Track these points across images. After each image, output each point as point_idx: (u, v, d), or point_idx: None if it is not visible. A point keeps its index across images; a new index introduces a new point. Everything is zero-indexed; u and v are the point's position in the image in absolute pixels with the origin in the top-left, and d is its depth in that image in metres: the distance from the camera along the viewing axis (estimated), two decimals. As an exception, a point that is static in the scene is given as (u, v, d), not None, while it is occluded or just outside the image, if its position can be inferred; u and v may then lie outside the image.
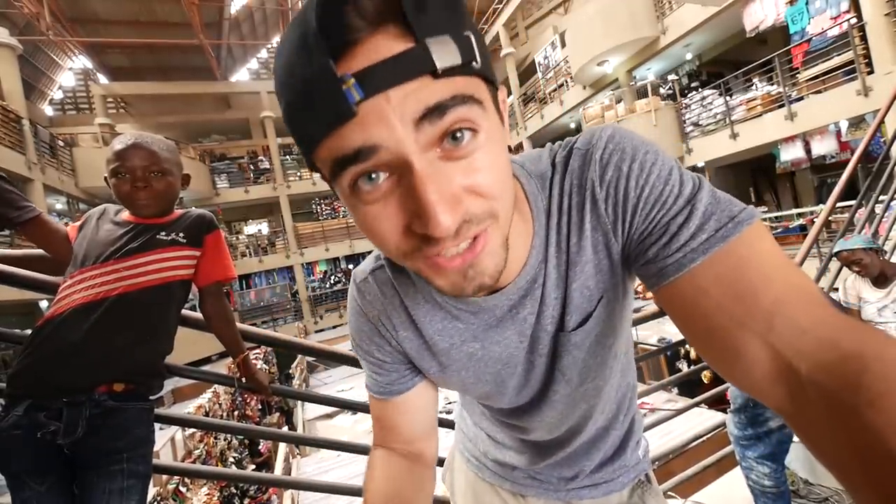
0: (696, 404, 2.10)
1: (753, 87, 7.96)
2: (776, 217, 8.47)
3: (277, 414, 9.08)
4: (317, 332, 14.39)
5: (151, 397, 1.04)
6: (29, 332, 0.99)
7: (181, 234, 1.06)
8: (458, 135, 0.30)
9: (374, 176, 0.31)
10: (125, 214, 1.08)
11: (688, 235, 0.36)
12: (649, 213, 0.39)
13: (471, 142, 0.31)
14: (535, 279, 0.46)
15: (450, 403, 7.42)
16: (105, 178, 1.05)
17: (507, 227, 0.36)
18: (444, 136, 0.30)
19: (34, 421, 0.90)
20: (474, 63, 0.30)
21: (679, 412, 1.95)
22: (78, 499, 0.91)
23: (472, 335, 0.49)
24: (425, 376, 0.55)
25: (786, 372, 0.30)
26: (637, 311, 1.79)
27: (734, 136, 7.73)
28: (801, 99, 6.88)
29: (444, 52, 0.28)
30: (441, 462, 0.85)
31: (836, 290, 2.48)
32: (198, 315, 1.16)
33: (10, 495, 0.89)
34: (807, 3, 6.60)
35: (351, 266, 16.70)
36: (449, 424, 1.61)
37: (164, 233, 1.04)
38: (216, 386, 6.29)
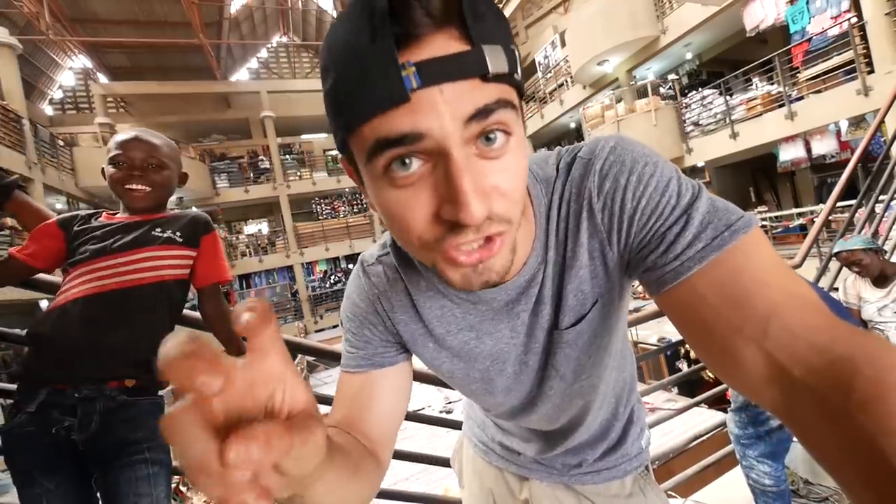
0: (696, 404, 2.10)
1: (753, 86, 7.96)
2: (776, 217, 8.47)
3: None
4: (317, 331, 14.41)
5: (161, 392, 1.05)
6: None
7: (177, 233, 1.05)
8: (492, 136, 0.33)
9: (407, 161, 0.32)
10: (117, 215, 1.07)
11: (684, 244, 0.37)
12: (646, 224, 0.40)
13: (504, 144, 0.33)
14: (534, 278, 0.47)
15: (450, 403, 7.43)
16: (102, 170, 1.04)
17: (516, 231, 0.38)
18: (481, 135, 0.32)
19: (47, 418, 0.90)
20: (516, 74, 0.33)
21: (679, 412, 1.95)
22: (104, 493, 0.92)
23: (468, 324, 0.51)
24: (405, 360, 0.54)
25: (779, 375, 0.31)
26: (637, 310, 1.79)
27: (734, 135, 7.72)
28: (801, 98, 6.88)
29: (496, 59, 0.31)
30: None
31: (836, 289, 2.48)
32: (196, 315, 1.16)
33: (16, 493, 0.89)
34: (807, 3, 6.60)
35: (351, 266, 16.71)
36: (448, 424, 1.61)
37: (159, 229, 1.04)
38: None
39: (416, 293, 0.51)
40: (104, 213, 1.07)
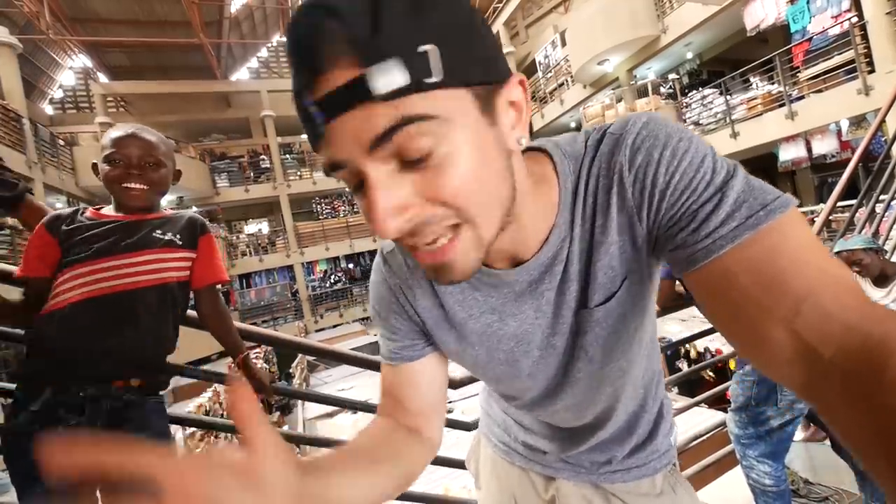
0: (696, 404, 2.10)
1: (752, 86, 7.95)
2: (776, 216, 8.44)
3: (278, 413, 9.09)
4: (317, 331, 14.39)
5: (161, 392, 1.05)
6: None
7: (177, 236, 1.05)
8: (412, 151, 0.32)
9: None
10: (106, 211, 1.06)
11: (717, 222, 0.36)
12: (678, 200, 0.39)
13: (432, 153, 0.32)
14: (557, 256, 0.46)
15: (450, 402, 7.43)
16: (94, 165, 1.02)
17: (489, 227, 0.37)
18: (397, 154, 0.32)
19: (53, 416, 0.90)
20: (429, 79, 0.30)
21: (679, 411, 1.95)
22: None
23: (490, 307, 0.51)
24: (436, 349, 0.56)
25: (809, 355, 0.31)
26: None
27: (735, 135, 7.72)
28: (801, 98, 6.87)
29: (386, 77, 0.29)
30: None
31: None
32: (195, 315, 1.16)
33: (13, 493, 0.88)
34: (808, 2, 6.59)
35: (351, 265, 16.70)
36: (447, 424, 1.61)
37: (159, 231, 1.04)
38: (216, 385, 6.29)
39: None
40: (89, 210, 1.05)
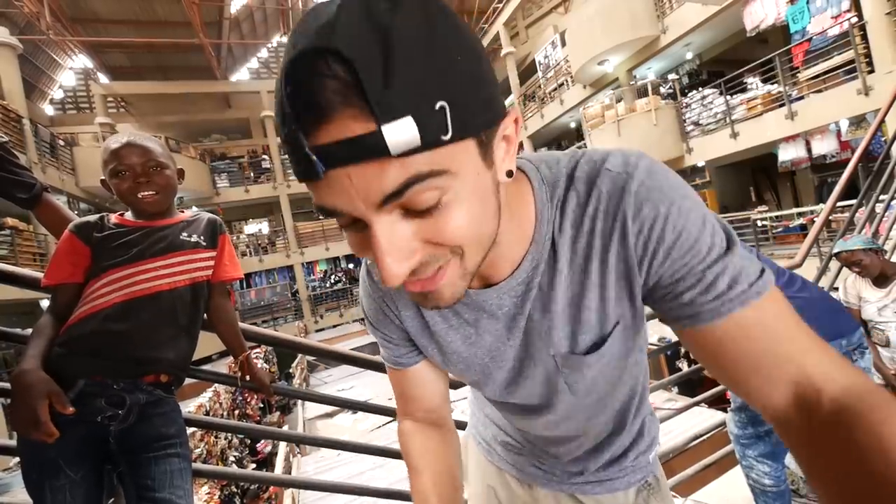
0: (696, 403, 2.10)
1: (752, 86, 7.95)
2: (776, 216, 8.45)
3: (278, 413, 9.10)
4: (317, 331, 14.40)
5: (174, 389, 1.08)
6: (30, 330, 0.98)
7: (202, 237, 1.11)
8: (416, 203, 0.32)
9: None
10: (128, 217, 1.09)
11: (724, 286, 0.39)
12: (683, 258, 0.40)
13: (435, 203, 0.32)
14: (529, 284, 0.47)
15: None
16: (102, 182, 1.06)
17: (475, 259, 0.37)
18: (402, 205, 0.32)
19: (90, 407, 0.92)
20: (444, 136, 0.30)
21: (679, 411, 1.95)
22: (135, 485, 0.93)
23: (465, 320, 0.52)
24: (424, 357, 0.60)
25: (791, 408, 0.38)
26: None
27: (734, 135, 7.72)
28: (801, 98, 6.87)
29: (403, 137, 0.28)
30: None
31: (836, 289, 2.48)
32: None
33: (15, 493, 0.88)
34: (807, 2, 6.59)
35: (351, 265, 16.71)
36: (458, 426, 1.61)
37: (185, 234, 1.09)
38: (216, 385, 6.29)
39: None
40: (114, 217, 1.09)
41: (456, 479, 0.59)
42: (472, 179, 0.33)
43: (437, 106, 0.29)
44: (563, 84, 11.56)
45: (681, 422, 3.69)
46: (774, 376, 0.38)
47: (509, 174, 0.37)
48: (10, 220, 8.19)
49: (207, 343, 1.19)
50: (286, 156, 0.32)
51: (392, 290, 0.54)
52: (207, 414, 5.64)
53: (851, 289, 2.29)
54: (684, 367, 6.78)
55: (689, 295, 0.40)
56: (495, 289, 0.47)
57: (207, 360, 10.58)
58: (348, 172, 0.29)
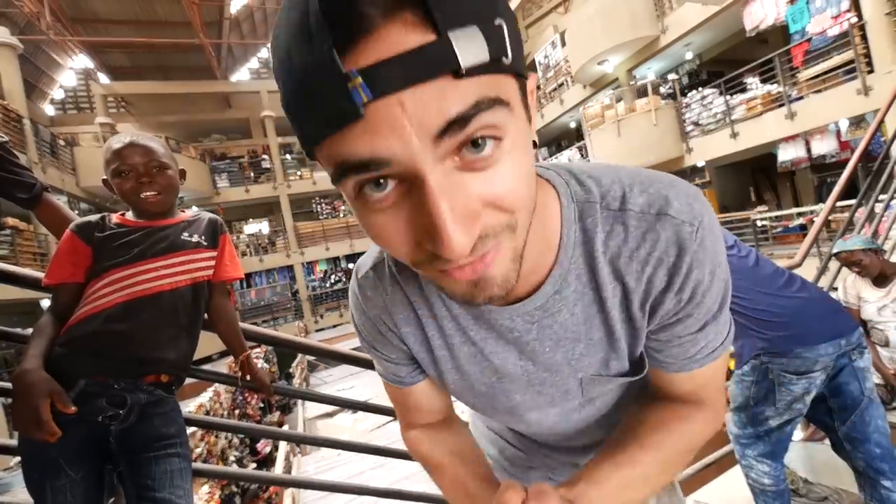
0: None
1: (752, 86, 7.95)
2: (776, 216, 8.45)
3: (279, 413, 9.10)
4: (317, 331, 14.40)
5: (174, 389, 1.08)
6: (30, 330, 0.99)
7: (203, 237, 1.11)
8: (480, 142, 0.26)
9: (382, 182, 0.27)
10: (127, 216, 1.09)
11: (696, 350, 0.46)
12: (692, 315, 0.43)
13: (494, 150, 0.27)
14: (547, 310, 0.43)
15: (450, 403, 7.42)
16: (104, 181, 1.06)
17: (523, 238, 0.32)
18: (463, 145, 0.26)
19: (91, 406, 0.92)
20: (504, 58, 0.25)
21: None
22: (135, 484, 0.93)
23: (469, 339, 0.48)
24: (426, 376, 0.56)
25: (682, 399, 0.50)
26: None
27: (734, 135, 7.72)
28: (801, 98, 6.87)
29: (471, 47, 0.23)
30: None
31: (836, 289, 2.48)
32: None
33: (15, 493, 0.88)
34: (807, 3, 6.59)
35: (351, 265, 16.68)
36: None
37: (186, 234, 1.09)
38: (217, 385, 6.29)
39: (417, 302, 0.48)
40: (115, 217, 1.08)
41: (482, 455, 0.56)
42: (521, 126, 0.29)
43: (497, 22, 0.25)
44: (562, 84, 11.56)
45: (681, 422, 3.68)
46: (683, 392, 0.50)
47: (535, 144, 0.33)
48: (10, 220, 8.19)
49: (208, 343, 1.18)
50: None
51: (391, 305, 0.48)
52: (208, 414, 5.63)
53: (851, 289, 2.30)
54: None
55: (671, 352, 0.46)
56: (508, 309, 0.43)
57: (208, 360, 10.57)
58: (401, 99, 0.23)
